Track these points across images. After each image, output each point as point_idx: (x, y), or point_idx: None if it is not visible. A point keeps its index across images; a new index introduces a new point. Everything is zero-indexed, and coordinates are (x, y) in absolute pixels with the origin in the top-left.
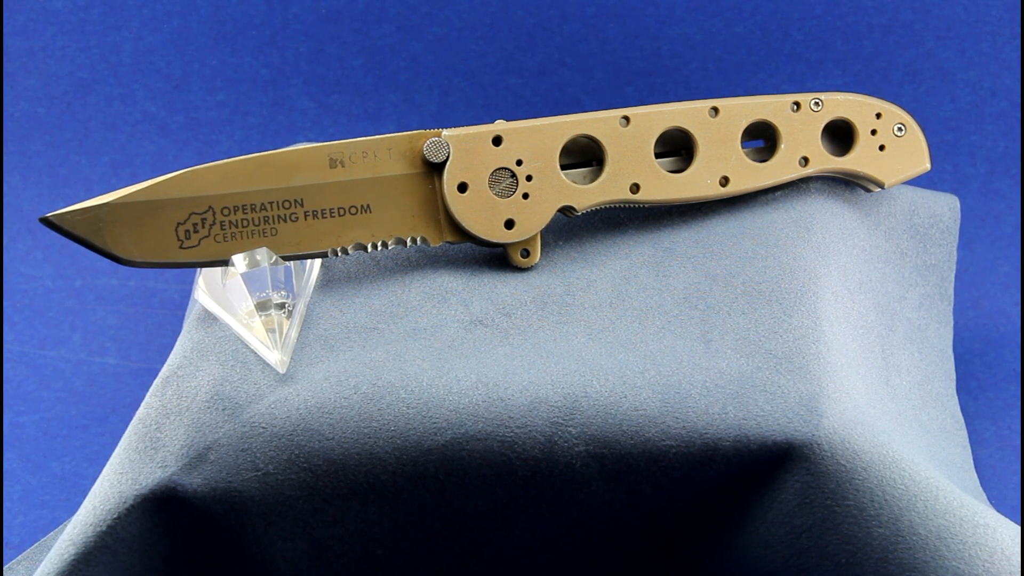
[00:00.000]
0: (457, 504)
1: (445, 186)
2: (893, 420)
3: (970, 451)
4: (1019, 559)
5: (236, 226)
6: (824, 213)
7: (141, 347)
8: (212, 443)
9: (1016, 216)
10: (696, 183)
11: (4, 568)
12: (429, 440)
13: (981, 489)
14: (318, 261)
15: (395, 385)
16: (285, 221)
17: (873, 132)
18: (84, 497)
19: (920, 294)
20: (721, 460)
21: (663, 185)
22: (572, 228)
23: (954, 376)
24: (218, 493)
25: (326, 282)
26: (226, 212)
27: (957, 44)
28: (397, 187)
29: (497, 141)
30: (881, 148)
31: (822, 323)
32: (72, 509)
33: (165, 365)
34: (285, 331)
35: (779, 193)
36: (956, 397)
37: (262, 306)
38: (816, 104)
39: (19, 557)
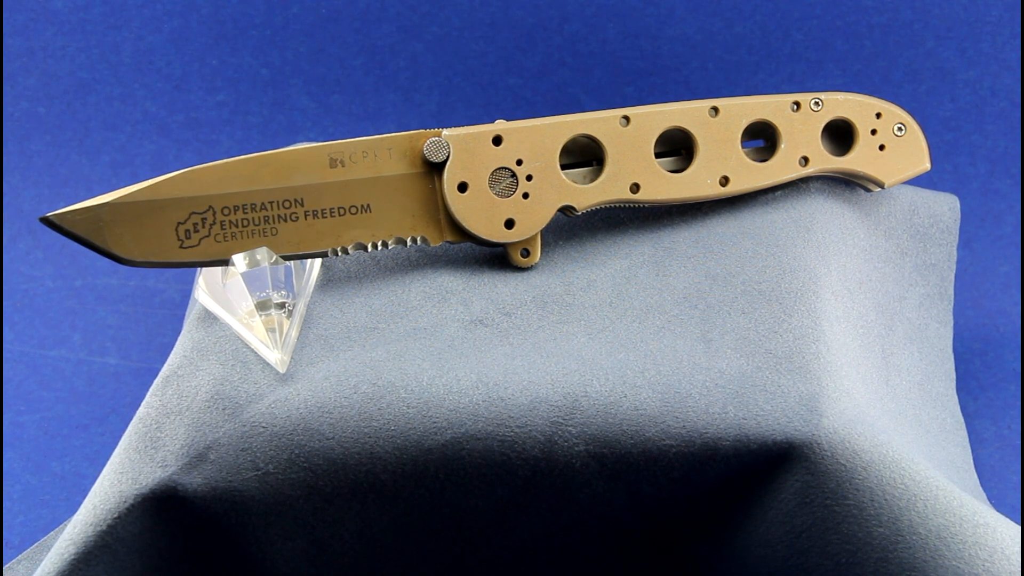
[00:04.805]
0: (457, 504)
1: (445, 186)
2: (893, 420)
3: (970, 451)
4: (1019, 559)
5: (236, 226)
6: (824, 213)
7: (141, 347)
8: (212, 443)
9: (1016, 216)
10: (696, 183)
11: (4, 568)
12: (429, 440)
13: (981, 489)
14: (318, 261)
15: (395, 385)
16: (285, 221)
17: (873, 132)
18: (84, 497)
19: (920, 294)
20: (721, 460)
21: (663, 185)
22: (572, 228)
23: (954, 376)
24: (218, 493)
25: (326, 282)
26: (226, 212)
27: (957, 44)
28: (397, 187)
29: (497, 141)
30: (881, 148)
31: (822, 323)
32: (72, 509)
33: (165, 365)
34: (285, 331)
35: (779, 193)
36: (956, 397)
37: (262, 306)
38: (816, 104)
39: (19, 557)
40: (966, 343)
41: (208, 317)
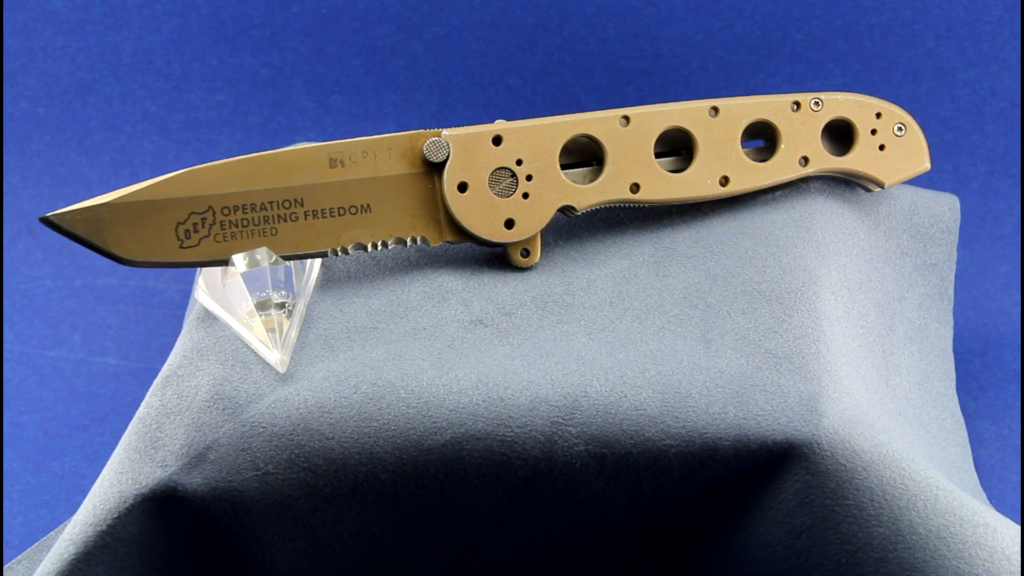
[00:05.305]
0: (457, 504)
1: (445, 186)
2: (893, 420)
3: (970, 451)
4: (1019, 559)
5: (236, 226)
6: (824, 213)
7: (141, 347)
8: (212, 443)
9: (1016, 216)
10: (696, 183)
11: (4, 568)
12: (429, 440)
13: (981, 489)
14: (318, 261)
15: (395, 385)
16: (285, 221)
17: (873, 132)
18: (84, 497)
19: (920, 294)
20: (721, 460)
21: (663, 185)
22: (572, 228)
23: (954, 376)
24: (218, 493)
25: (326, 282)
26: (226, 212)
27: (957, 44)
28: (397, 187)
29: (497, 141)
30: (881, 148)
31: (822, 323)
32: (72, 509)
33: (165, 365)
34: (285, 331)
35: (779, 193)
36: (956, 397)
37: (262, 306)
38: (816, 104)
39: (19, 557)
40: (966, 343)
41: (208, 317)
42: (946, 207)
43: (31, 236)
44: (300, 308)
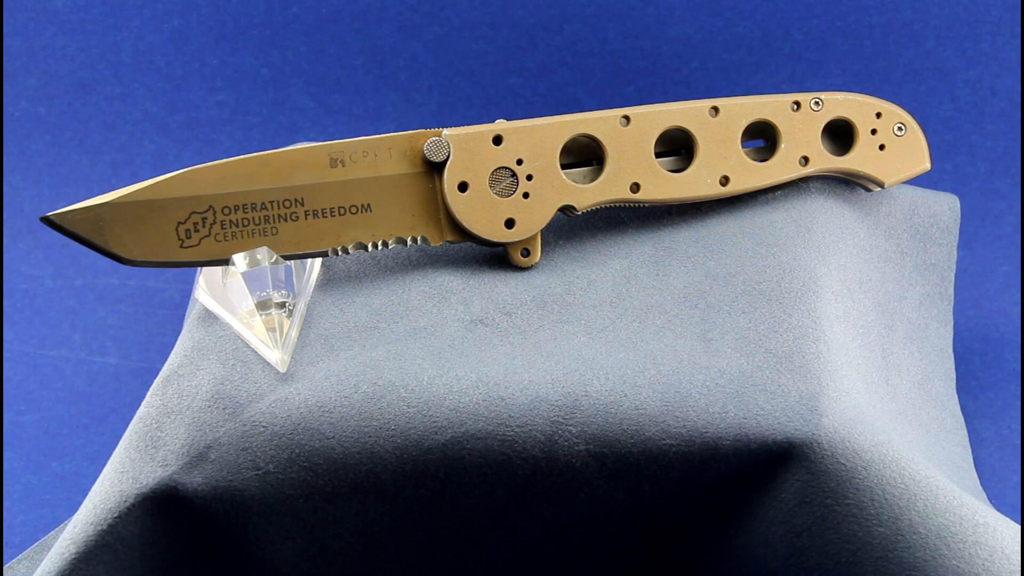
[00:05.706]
0: (457, 503)
1: (445, 185)
2: (893, 419)
3: (970, 451)
4: (1019, 558)
5: (236, 225)
6: (824, 213)
7: (141, 346)
8: (213, 442)
9: (1016, 216)
10: (696, 182)
11: (4, 567)
12: (430, 439)
13: (981, 488)
14: (318, 260)
15: (395, 384)
16: (285, 220)
17: (873, 132)
18: (85, 496)
19: (920, 293)
20: (721, 459)
21: (663, 184)
22: (572, 227)
23: (954, 375)
24: (219, 492)
25: (326, 281)
26: (227, 211)
27: (957, 44)
28: (397, 186)
29: (497, 140)
30: (881, 148)
31: (822, 322)
32: (72, 508)
33: (166, 364)
34: (285, 330)
35: (779, 193)
36: (956, 397)
37: (262, 305)
38: (816, 104)
39: (19, 556)
40: (966, 343)
41: (208, 317)
42: (946, 207)
43: (31, 236)
44: (300, 307)
